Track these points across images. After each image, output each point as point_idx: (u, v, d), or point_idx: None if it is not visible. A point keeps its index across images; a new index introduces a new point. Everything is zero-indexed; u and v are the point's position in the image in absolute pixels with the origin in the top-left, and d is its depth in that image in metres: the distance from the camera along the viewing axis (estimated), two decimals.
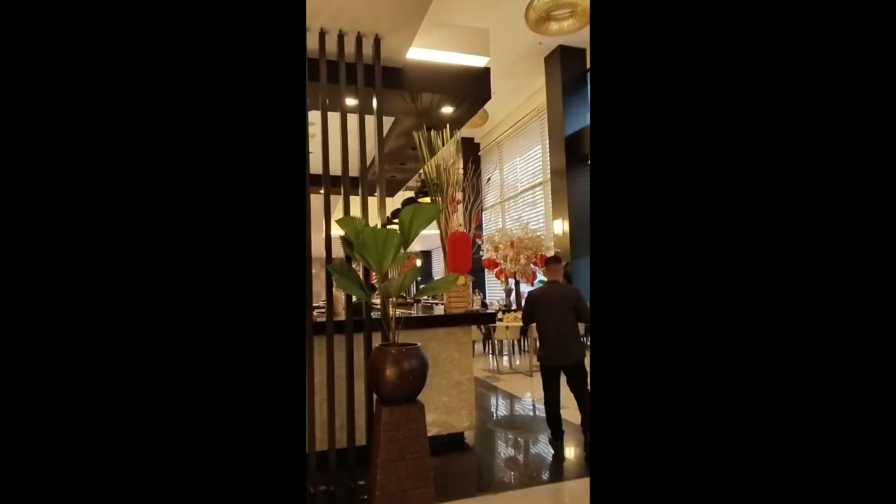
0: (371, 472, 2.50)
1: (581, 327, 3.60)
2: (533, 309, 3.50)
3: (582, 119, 9.29)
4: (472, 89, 3.97)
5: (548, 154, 10.00)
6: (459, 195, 3.68)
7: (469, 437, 3.61)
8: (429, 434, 2.49)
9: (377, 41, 3.22)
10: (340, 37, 3.13)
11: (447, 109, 4.21)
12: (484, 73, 4.03)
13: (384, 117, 3.60)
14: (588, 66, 9.29)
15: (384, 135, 3.69)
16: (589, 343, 7.87)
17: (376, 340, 2.95)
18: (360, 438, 2.97)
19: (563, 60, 9.21)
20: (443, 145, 3.63)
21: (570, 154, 9.18)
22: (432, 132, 3.59)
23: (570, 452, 3.34)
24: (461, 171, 3.75)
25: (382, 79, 3.24)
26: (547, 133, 9.98)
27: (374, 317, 3.05)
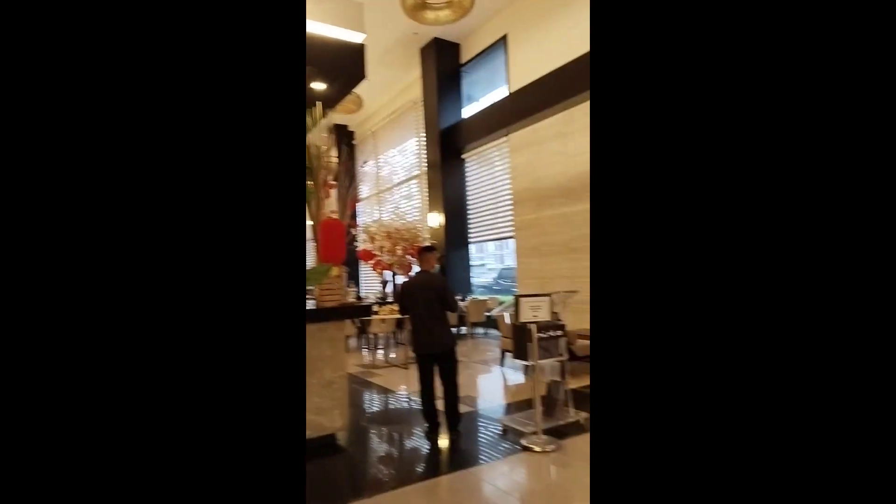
0: None
1: (453, 317, 3.59)
2: (404, 299, 3.53)
3: (456, 113, 9.44)
4: (345, 66, 3.71)
5: (424, 147, 10.01)
6: (333, 181, 3.42)
7: (342, 437, 3.40)
8: None
9: None
10: None
11: (319, 85, 3.89)
12: (358, 50, 3.78)
13: None
14: (462, 61, 9.46)
15: None
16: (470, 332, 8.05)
17: None
18: None
19: (438, 53, 9.26)
20: (314, 125, 3.32)
21: (445, 148, 9.28)
22: None
23: (446, 444, 3.30)
24: (335, 157, 3.48)
25: None
26: (423, 126, 9.98)
27: None
